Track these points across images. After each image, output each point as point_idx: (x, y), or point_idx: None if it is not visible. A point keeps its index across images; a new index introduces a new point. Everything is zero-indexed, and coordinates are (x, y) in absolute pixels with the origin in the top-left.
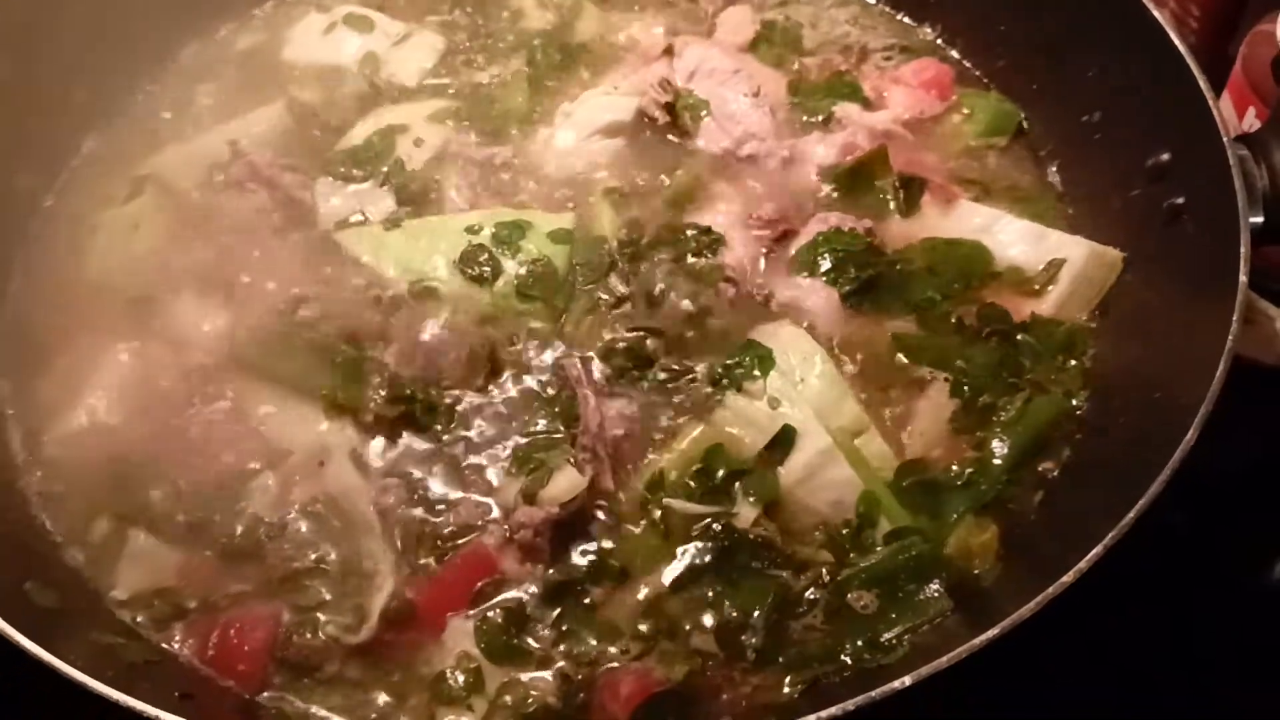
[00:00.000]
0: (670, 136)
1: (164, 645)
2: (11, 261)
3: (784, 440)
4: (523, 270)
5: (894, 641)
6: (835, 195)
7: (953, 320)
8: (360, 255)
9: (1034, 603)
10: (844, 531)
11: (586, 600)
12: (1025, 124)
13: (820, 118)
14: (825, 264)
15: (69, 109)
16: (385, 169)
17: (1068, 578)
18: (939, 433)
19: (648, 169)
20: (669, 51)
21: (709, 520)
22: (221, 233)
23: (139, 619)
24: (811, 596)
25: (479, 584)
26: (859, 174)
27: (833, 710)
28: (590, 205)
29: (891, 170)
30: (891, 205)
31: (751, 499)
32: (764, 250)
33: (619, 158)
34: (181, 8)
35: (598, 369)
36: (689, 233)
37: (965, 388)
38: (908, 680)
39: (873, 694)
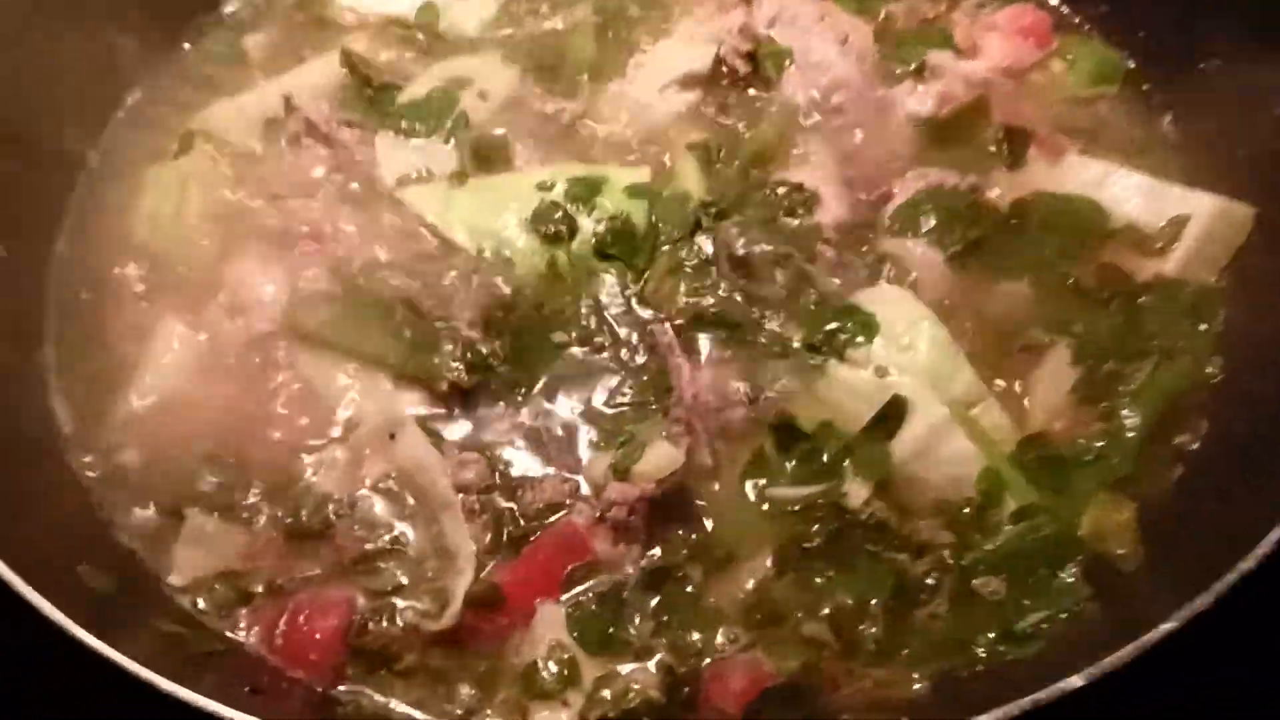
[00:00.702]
0: (751, 88)
1: (228, 634)
2: (57, 222)
3: (894, 412)
4: (600, 227)
5: (1029, 631)
6: (932, 149)
7: (1069, 283)
8: (425, 214)
9: (1214, 590)
10: (965, 511)
11: (688, 588)
12: (1133, 72)
13: (911, 67)
14: (927, 223)
15: (112, 61)
16: (449, 124)
17: (1248, 563)
18: (1061, 403)
19: (728, 123)
20: None
21: (816, 500)
22: (277, 191)
23: (200, 604)
24: (933, 582)
25: (569, 567)
26: (958, 126)
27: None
28: (670, 161)
29: (993, 121)
30: (994, 159)
31: (861, 477)
32: (860, 209)
33: (697, 111)
34: None
35: (688, 336)
36: (779, 190)
37: (1087, 355)
38: (1078, 681)
39: (1039, 695)
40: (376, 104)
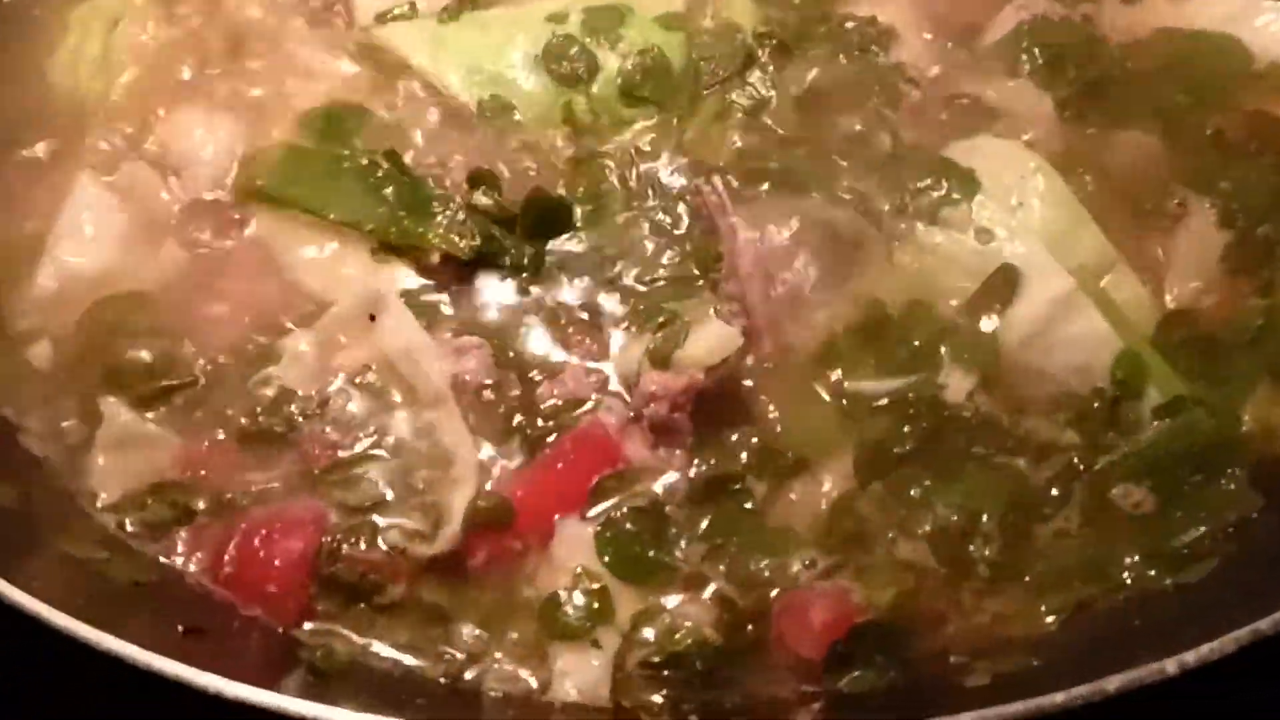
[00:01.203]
0: None
1: (162, 559)
2: None
3: (1003, 283)
4: (628, 64)
5: (1188, 551)
6: None
7: (1208, 133)
8: (411, 55)
9: None
10: (1096, 405)
11: (749, 503)
12: None
13: None
14: (1031, 61)
15: None
16: None
17: None
18: (1210, 274)
19: None
20: None
21: (907, 394)
22: (229, 28)
23: (128, 524)
24: (1058, 492)
25: (597, 476)
26: None
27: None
28: None
29: None
30: None
31: (963, 365)
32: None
33: None
34: None
35: (742, 193)
36: (848, 24)
37: (1238, 216)
38: None
39: (1260, 625)
40: None
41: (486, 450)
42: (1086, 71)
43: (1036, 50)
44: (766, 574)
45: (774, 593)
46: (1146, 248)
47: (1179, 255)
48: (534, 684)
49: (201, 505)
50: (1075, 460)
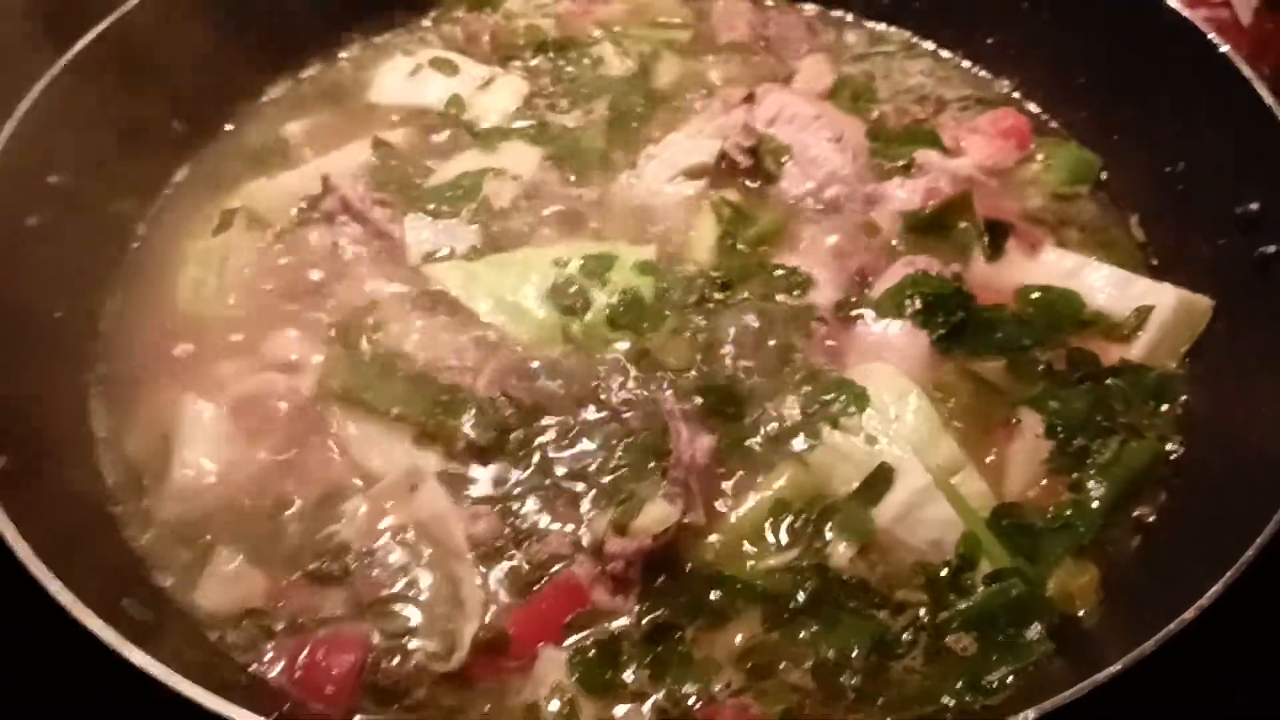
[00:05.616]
0: (751, 181)
1: (253, 667)
2: (110, 280)
3: (880, 477)
4: (613, 300)
5: (996, 684)
6: (918, 239)
7: (1041, 365)
8: (450, 288)
9: (1155, 639)
10: (943, 573)
11: (682, 646)
12: (1105, 174)
13: (901, 163)
14: (912, 307)
15: (164, 139)
16: (473, 206)
17: (1189, 614)
18: (1035, 474)
19: (730, 210)
20: (750, 98)
21: (801, 561)
22: (311, 264)
23: (230, 639)
24: (909, 638)
25: (570, 615)
26: (943, 218)
27: None
28: (677, 239)
29: (976, 214)
30: (976, 250)
31: (846, 539)
32: (850, 292)
33: (701, 199)
34: (270, 48)
35: (689, 403)
36: (777, 272)
37: (1059, 430)
38: (1031, 715)
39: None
40: (406, 186)
41: (490, 592)
42: (954, 315)
43: (917, 297)
44: (693, 693)
45: (697, 706)
46: (988, 453)
47: (1013, 459)
48: None
49: (280, 627)
50: (923, 614)
